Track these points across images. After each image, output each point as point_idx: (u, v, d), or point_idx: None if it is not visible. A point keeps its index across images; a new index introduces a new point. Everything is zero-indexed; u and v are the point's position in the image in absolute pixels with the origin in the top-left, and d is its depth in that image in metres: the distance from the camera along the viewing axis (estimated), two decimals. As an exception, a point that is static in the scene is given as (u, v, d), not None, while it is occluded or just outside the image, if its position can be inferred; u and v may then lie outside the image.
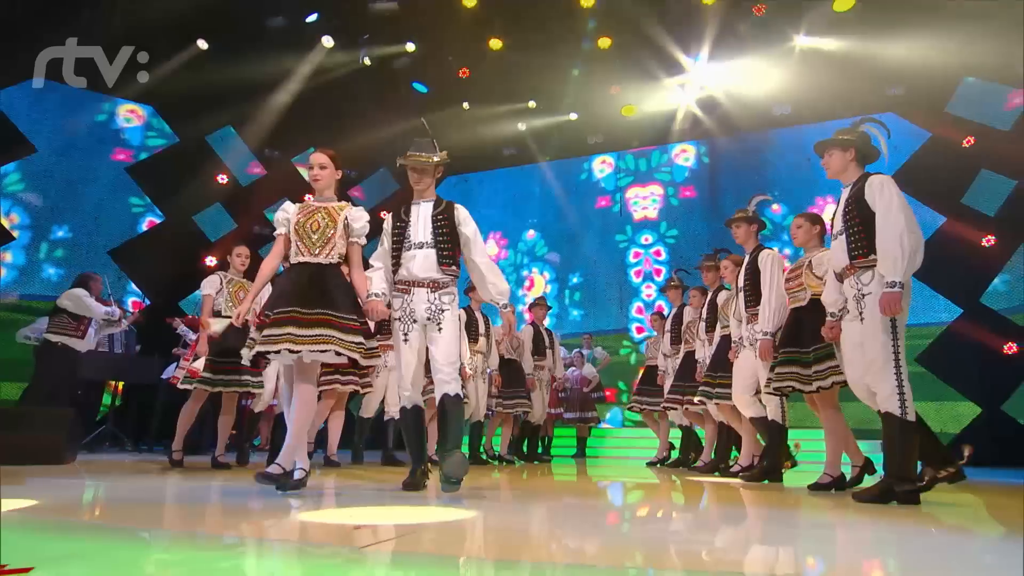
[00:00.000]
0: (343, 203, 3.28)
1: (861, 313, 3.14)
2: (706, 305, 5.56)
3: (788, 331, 4.07)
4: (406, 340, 3.26)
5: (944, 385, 8.34)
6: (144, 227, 9.46)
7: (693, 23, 9.14)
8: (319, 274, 3.10)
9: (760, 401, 4.44)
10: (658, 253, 11.05)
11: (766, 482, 4.27)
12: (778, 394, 4.07)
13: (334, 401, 5.33)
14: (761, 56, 9.37)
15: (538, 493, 3.68)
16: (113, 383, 7.68)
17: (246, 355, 3.09)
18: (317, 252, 3.13)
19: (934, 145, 8.97)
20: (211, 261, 9.19)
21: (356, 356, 3.01)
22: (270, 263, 3.24)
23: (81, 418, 5.27)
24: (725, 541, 2.19)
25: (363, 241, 3.25)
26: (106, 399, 7.74)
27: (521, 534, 2.20)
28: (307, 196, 3.51)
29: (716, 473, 5.31)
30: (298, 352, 2.89)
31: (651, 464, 6.95)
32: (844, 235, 3.23)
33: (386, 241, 3.38)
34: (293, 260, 3.16)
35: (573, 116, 11.11)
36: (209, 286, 4.79)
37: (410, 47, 9.86)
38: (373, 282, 3.24)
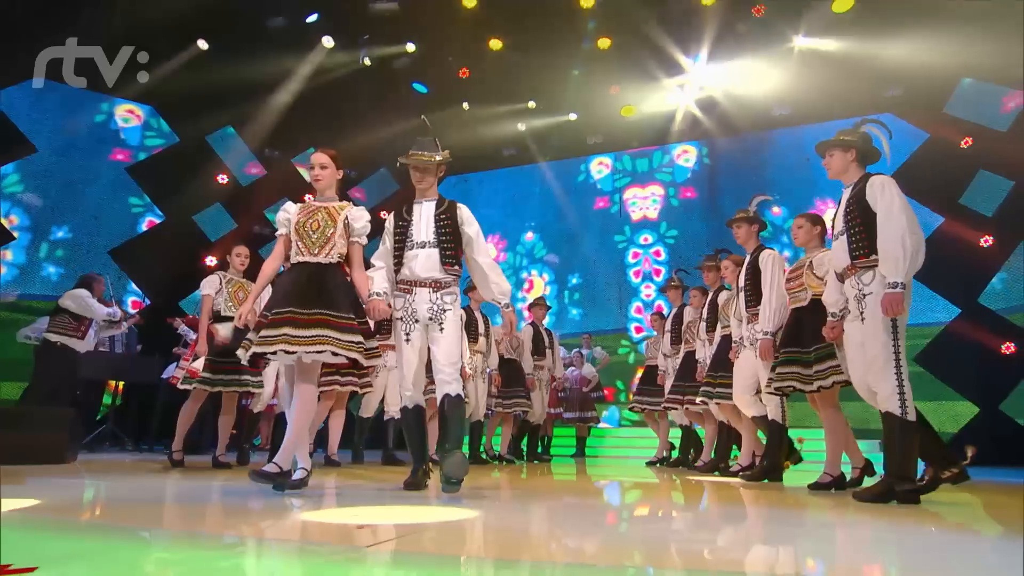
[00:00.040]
0: (344, 203, 3.26)
1: (862, 313, 3.14)
2: (707, 305, 5.57)
3: (789, 331, 4.08)
4: (408, 340, 3.25)
5: (942, 385, 8.36)
6: (144, 227, 9.46)
7: (693, 24, 9.16)
8: (318, 274, 3.09)
9: (760, 400, 4.45)
10: (658, 253, 11.06)
11: (766, 482, 4.28)
12: (779, 394, 4.07)
13: (332, 401, 5.34)
14: (760, 57, 9.38)
15: (538, 493, 3.68)
16: (113, 383, 7.68)
17: (242, 355, 3.08)
18: (317, 252, 3.12)
19: (932, 146, 9.00)
20: (211, 261, 9.20)
21: (356, 356, 3.00)
22: (271, 264, 3.23)
23: (81, 418, 5.27)
24: (725, 540, 2.20)
25: (364, 241, 3.24)
26: (106, 399, 7.74)
27: (521, 534, 2.20)
28: (307, 196, 3.50)
29: (716, 472, 5.32)
30: (294, 353, 2.88)
31: (651, 464, 6.96)
32: (845, 235, 3.23)
33: (388, 240, 3.37)
34: (293, 260, 3.16)
35: (573, 116, 11.12)
36: (208, 286, 4.80)
37: (410, 47, 9.87)
38: (375, 281, 3.23)
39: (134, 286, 9.19)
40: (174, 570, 1.56)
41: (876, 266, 3.10)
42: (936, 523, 2.57)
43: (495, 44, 9.72)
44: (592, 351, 8.92)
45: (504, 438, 6.87)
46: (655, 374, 6.86)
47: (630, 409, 7.54)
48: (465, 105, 10.76)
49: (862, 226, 3.15)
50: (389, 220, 3.42)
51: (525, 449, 7.28)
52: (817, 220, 4.18)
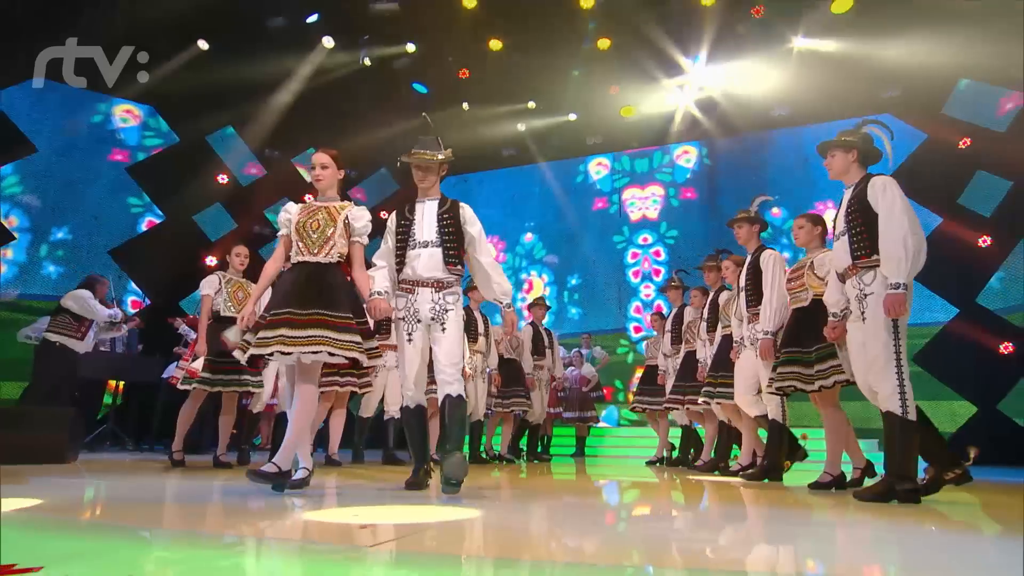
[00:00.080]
0: (345, 203, 3.25)
1: (863, 313, 3.15)
2: (708, 305, 5.58)
3: (790, 331, 4.08)
4: (410, 340, 3.24)
5: (940, 384, 8.38)
6: (144, 227, 9.46)
7: (692, 24, 9.17)
8: (318, 273, 3.08)
9: (761, 400, 4.46)
10: (657, 253, 11.07)
11: (766, 481, 4.29)
12: (780, 393, 4.08)
13: (332, 401, 5.34)
14: (759, 57, 9.40)
15: (538, 493, 3.68)
16: (113, 383, 7.68)
17: (240, 356, 3.08)
18: (316, 251, 3.11)
19: (931, 146, 9.02)
20: (211, 261, 9.20)
21: (355, 355, 2.98)
22: (273, 264, 3.23)
23: (82, 417, 5.27)
24: (725, 540, 2.20)
25: (365, 240, 3.23)
26: (107, 399, 7.74)
27: (522, 533, 2.20)
28: (307, 196, 3.50)
29: (716, 472, 5.32)
30: (289, 354, 2.88)
31: (651, 463, 6.96)
32: (846, 235, 3.24)
33: (390, 240, 3.35)
34: (294, 260, 3.15)
35: (572, 117, 11.13)
36: (208, 286, 4.80)
37: (410, 48, 9.87)
38: (376, 281, 3.22)
39: (134, 286, 9.19)
40: (175, 569, 1.57)
41: (877, 266, 3.11)
42: (936, 523, 2.57)
43: (495, 44, 9.73)
44: (591, 351, 8.93)
45: (504, 438, 6.88)
46: (655, 374, 6.87)
47: (631, 409, 7.55)
48: (465, 105, 10.77)
49: (863, 226, 3.15)
50: (391, 219, 3.41)
51: (525, 449, 7.28)
52: (818, 220, 4.19)
